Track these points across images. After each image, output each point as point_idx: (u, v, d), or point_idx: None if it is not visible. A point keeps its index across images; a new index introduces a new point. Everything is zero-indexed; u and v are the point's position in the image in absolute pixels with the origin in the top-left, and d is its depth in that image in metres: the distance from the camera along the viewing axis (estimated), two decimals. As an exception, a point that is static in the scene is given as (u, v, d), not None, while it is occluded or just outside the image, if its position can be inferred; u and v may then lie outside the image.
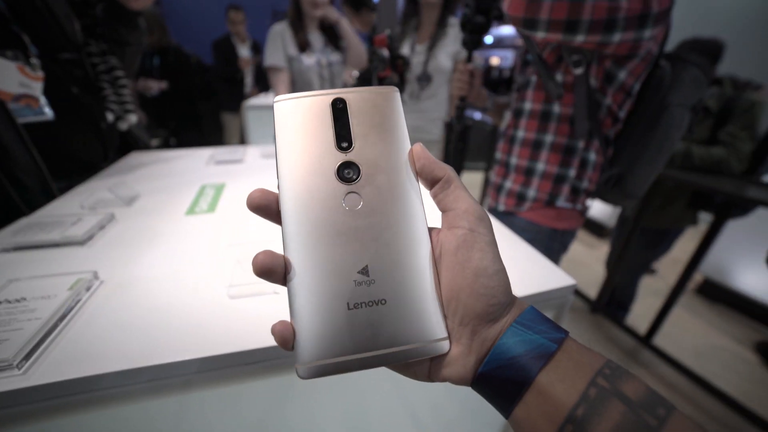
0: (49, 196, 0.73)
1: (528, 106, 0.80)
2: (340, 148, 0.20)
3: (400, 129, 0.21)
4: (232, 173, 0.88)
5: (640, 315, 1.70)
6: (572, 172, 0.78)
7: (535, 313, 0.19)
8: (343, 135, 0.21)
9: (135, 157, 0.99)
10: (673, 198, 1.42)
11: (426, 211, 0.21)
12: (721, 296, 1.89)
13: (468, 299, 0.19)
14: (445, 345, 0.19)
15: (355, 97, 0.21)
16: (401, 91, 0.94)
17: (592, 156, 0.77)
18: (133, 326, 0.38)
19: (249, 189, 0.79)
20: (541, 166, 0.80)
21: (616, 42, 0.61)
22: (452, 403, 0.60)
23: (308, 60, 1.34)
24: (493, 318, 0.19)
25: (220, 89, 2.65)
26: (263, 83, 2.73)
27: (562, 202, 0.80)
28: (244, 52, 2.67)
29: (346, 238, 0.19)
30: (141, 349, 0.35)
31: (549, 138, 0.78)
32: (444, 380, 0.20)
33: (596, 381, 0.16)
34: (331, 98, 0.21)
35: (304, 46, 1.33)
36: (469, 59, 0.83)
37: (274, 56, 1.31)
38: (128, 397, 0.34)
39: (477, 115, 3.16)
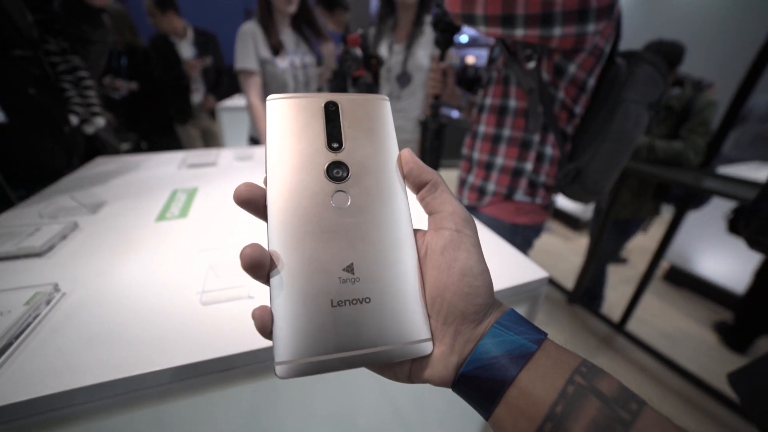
0: (5, 206, 0.68)
1: (488, 101, 0.82)
2: (330, 148, 0.21)
3: (389, 134, 0.22)
4: (205, 177, 0.86)
5: (614, 303, 1.78)
6: (529, 166, 0.80)
7: (515, 315, 0.20)
8: (334, 136, 0.21)
9: (101, 163, 0.95)
10: (639, 189, 1.51)
11: (411, 214, 0.21)
12: (685, 281, 2.01)
13: (453, 297, 0.19)
14: (428, 346, 0.19)
15: (347, 102, 0.22)
16: (376, 90, 0.94)
17: (548, 150, 0.79)
18: (99, 339, 0.36)
19: (223, 193, 0.77)
20: (499, 160, 0.81)
21: (558, 36, 0.63)
22: (438, 398, 0.60)
23: (282, 63, 1.30)
24: (476, 318, 0.19)
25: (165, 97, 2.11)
26: (223, 88, 2.29)
27: (520, 195, 0.82)
28: (186, 50, 2.06)
29: (332, 235, 0.19)
30: (109, 361, 0.34)
31: (506, 132, 0.79)
32: (425, 381, 0.20)
33: (574, 379, 0.17)
34: (324, 100, 0.22)
35: (277, 49, 1.28)
36: (442, 58, 0.84)
37: (245, 59, 1.25)
38: (99, 412, 0.33)
39: (454, 114, 3.20)
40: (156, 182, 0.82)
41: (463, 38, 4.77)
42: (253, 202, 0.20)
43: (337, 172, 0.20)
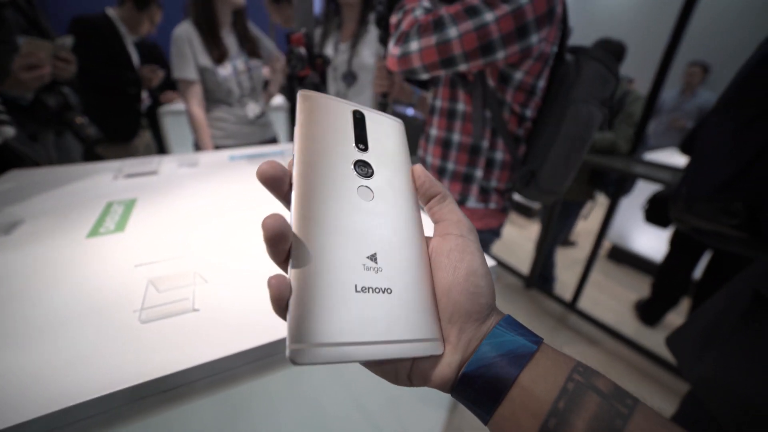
0: None
1: (438, 103, 0.81)
2: (358, 147, 0.22)
3: (404, 151, 0.25)
4: (145, 187, 0.79)
5: (567, 283, 1.92)
6: (479, 173, 0.79)
7: (512, 319, 0.20)
8: (361, 138, 0.23)
9: (14, 176, 0.84)
10: (579, 176, 1.66)
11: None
12: (625, 258, 2.22)
13: (459, 297, 0.19)
14: (440, 346, 0.19)
15: (371, 115, 0.24)
16: (323, 89, 0.92)
17: (499, 155, 0.78)
18: (15, 376, 0.32)
19: (166, 203, 0.72)
20: (450, 165, 0.80)
21: (503, 57, 0.64)
22: (407, 401, 0.61)
23: (223, 71, 1.20)
24: (480, 317, 0.19)
25: (93, 104, 1.39)
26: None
27: (473, 203, 0.82)
28: (133, 52, 1.56)
29: (357, 223, 0.20)
30: (30, 399, 0.30)
31: (456, 137, 0.78)
32: (425, 381, 0.20)
33: (573, 377, 0.17)
34: (352, 108, 0.24)
35: (221, 58, 1.18)
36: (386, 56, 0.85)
37: (183, 68, 1.14)
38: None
39: (409, 111, 3.26)
40: (87, 195, 0.74)
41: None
42: (277, 180, 0.19)
43: (363, 168, 0.22)
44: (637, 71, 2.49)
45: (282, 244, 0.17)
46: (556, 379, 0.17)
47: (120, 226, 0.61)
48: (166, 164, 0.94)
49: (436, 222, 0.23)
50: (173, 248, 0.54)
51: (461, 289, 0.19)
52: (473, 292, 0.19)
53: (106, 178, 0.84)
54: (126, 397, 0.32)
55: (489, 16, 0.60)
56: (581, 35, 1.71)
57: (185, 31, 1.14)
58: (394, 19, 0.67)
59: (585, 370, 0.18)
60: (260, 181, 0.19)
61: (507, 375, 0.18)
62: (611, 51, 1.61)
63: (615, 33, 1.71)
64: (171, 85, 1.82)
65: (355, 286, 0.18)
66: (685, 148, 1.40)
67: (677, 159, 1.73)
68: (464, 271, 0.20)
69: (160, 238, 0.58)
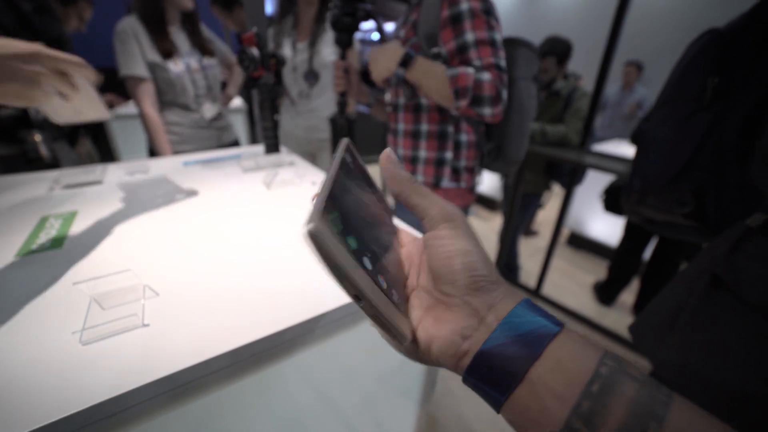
0: None
1: (402, 101, 0.87)
2: None
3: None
4: (87, 198, 0.73)
5: (531, 271, 2.01)
6: (449, 155, 0.87)
7: (532, 303, 0.19)
8: None
9: (-70, 194, 0.74)
10: (536, 168, 1.76)
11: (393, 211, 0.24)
12: (583, 244, 2.37)
13: (448, 275, 0.19)
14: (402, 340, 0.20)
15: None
16: (279, 90, 0.90)
17: (464, 137, 0.87)
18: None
19: (112, 214, 0.66)
20: (422, 153, 0.88)
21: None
22: (368, 376, 0.61)
23: (175, 67, 1.14)
24: (479, 286, 0.19)
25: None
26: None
27: (446, 183, 0.90)
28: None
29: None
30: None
31: (424, 127, 0.86)
32: (430, 354, 0.19)
33: (604, 361, 0.16)
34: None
35: (170, 53, 1.12)
36: (343, 56, 0.85)
37: (131, 64, 1.07)
38: None
39: (364, 109, 3.28)
40: (17, 210, 0.67)
41: (375, 36, 4.91)
42: None
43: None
44: (584, 69, 2.66)
45: None
46: (587, 362, 0.16)
47: (57, 242, 0.56)
48: (111, 173, 0.87)
49: (420, 219, 0.22)
50: (120, 262, 0.51)
51: (447, 271, 0.19)
52: (460, 269, 0.19)
53: (39, 190, 0.77)
54: (67, 427, 0.29)
55: (502, 63, 0.76)
56: (532, 34, 1.80)
57: (129, 25, 1.07)
58: (467, 81, 0.72)
59: (616, 357, 0.16)
60: None
61: (529, 353, 0.16)
62: (558, 48, 1.72)
63: (563, 33, 1.82)
64: (110, 87, 1.66)
65: None
66: (635, 140, 1.52)
67: (623, 149, 1.87)
68: (454, 252, 0.20)
69: (104, 252, 0.53)
